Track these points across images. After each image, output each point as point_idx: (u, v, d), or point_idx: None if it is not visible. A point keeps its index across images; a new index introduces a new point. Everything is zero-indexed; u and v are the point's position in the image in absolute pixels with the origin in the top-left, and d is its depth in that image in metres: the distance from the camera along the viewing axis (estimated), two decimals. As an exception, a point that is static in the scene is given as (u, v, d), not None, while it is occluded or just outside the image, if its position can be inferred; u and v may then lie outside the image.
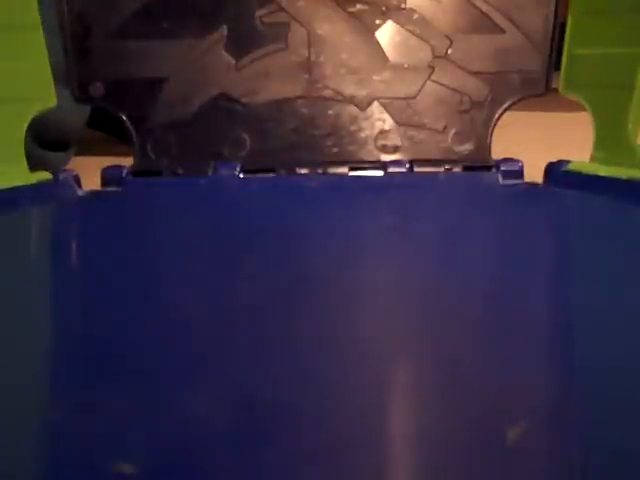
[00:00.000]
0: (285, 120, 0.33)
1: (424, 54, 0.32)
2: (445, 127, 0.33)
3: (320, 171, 0.32)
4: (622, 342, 0.16)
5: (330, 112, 0.33)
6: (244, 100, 0.33)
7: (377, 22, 0.32)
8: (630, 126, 0.29)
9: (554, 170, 0.31)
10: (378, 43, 0.32)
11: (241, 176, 0.32)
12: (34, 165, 0.31)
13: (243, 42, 0.32)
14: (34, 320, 0.18)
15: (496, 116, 0.33)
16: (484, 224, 0.27)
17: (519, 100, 0.33)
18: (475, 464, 0.11)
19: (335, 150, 0.33)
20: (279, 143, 0.33)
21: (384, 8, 0.32)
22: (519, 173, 0.32)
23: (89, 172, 0.32)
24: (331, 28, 0.32)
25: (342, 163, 0.33)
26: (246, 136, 0.33)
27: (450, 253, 0.23)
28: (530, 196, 0.30)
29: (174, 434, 0.12)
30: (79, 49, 0.32)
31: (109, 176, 0.31)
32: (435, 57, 0.32)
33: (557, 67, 0.32)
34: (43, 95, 0.30)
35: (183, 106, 0.33)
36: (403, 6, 0.32)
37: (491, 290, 0.20)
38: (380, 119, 0.33)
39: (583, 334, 0.17)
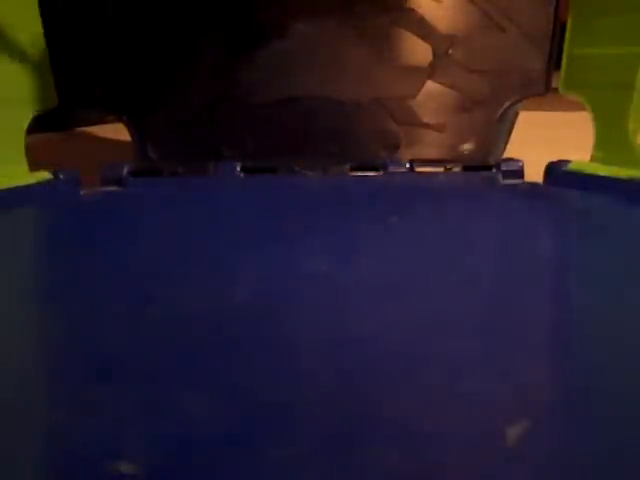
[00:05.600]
0: (285, 120, 0.33)
1: (424, 54, 0.32)
2: (445, 127, 0.33)
3: (320, 171, 0.32)
4: (622, 341, 0.16)
5: (330, 112, 0.33)
6: (244, 100, 0.33)
7: (378, 22, 0.32)
8: (630, 126, 0.29)
9: (554, 169, 0.31)
10: (378, 43, 0.32)
11: (241, 176, 0.32)
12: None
13: (243, 42, 0.32)
14: (34, 320, 0.18)
15: (496, 116, 0.33)
16: (484, 223, 0.27)
17: (519, 100, 0.33)
18: (475, 464, 0.11)
19: (335, 150, 0.33)
20: (279, 143, 0.33)
21: (384, 8, 0.32)
22: (519, 173, 0.32)
23: (89, 172, 0.32)
24: (331, 28, 0.32)
25: (342, 163, 0.33)
26: (246, 136, 0.33)
27: (450, 253, 0.23)
28: (530, 195, 0.30)
29: (174, 434, 0.12)
30: (79, 50, 0.32)
31: (109, 176, 0.31)
32: (436, 57, 0.32)
33: (557, 67, 0.32)
34: (43, 96, 0.31)
35: (183, 106, 0.33)
36: (403, 6, 0.32)
37: (491, 290, 0.20)
38: (380, 119, 0.33)
39: (583, 333, 0.17)
